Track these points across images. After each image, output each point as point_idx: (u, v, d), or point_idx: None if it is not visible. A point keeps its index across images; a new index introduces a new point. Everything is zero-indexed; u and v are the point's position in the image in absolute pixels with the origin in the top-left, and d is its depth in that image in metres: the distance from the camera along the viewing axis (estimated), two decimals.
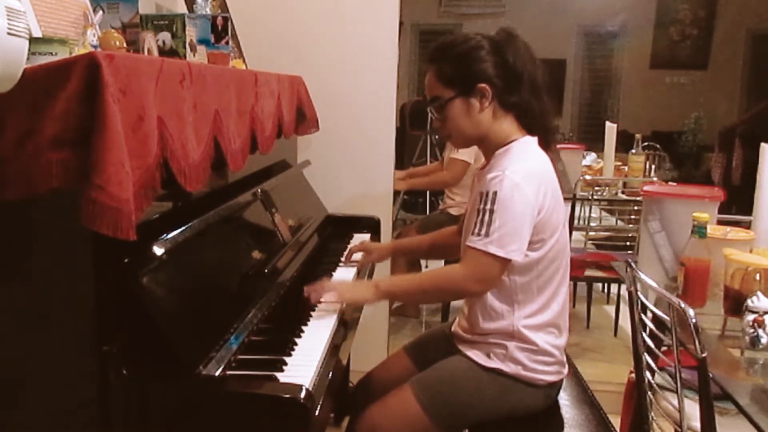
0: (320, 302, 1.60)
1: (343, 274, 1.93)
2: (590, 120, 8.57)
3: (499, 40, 1.53)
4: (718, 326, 1.62)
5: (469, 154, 3.17)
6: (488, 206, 1.42)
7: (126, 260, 1.12)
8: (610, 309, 3.85)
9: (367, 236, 2.35)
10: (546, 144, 1.57)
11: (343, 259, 2.02)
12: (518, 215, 1.42)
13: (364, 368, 1.86)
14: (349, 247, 2.05)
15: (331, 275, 1.90)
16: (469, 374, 1.54)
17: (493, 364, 1.52)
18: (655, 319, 1.55)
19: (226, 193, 1.57)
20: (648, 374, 1.60)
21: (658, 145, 4.88)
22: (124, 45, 1.40)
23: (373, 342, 2.69)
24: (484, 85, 1.51)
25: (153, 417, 1.13)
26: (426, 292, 1.65)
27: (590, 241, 3.78)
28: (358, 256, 2.01)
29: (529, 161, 1.49)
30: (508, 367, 1.51)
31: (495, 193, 1.42)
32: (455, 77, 1.53)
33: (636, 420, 1.78)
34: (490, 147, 1.56)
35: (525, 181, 1.43)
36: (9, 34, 0.93)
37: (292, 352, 1.35)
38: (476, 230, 1.43)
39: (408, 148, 5.55)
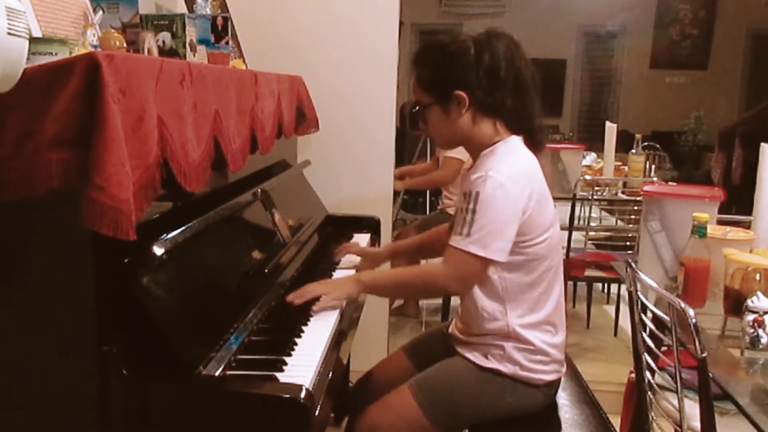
0: (309, 309, 1.55)
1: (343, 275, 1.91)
2: (590, 120, 8.57)
3: (480, 42, 1.51)
4: (718, 326, 1.62)
5: (464, 152, 3.17)
6: (471, 206, 1.42)
7: (126, 260, 1.12)
8: (610, 309, 3.85)
9: (367, 236, 2.35)
10: (533, 144, 1.56)
11: (337, 254, 1.99)
12: (501, 215, 1.41)
13: (364, 368, 1.86)
14: (344, 246, 2.03)
15: (331, 276, 1.90)
16: (468, 375, 1.54)
17: (491, 364, 1.52)
18: (655, 319, 1.55)
19: (226, 193, 1.57)
20: (648, 374, 1.60)
21: (658, 145, 4.88)
22: (124, 45, 1.40)
23: (373, 342, 2.70)
24: (460, 92, 1.49)
25: (153, 417, 1.13)
26: (408, 287, 1.67)
27: (590, 241, 3.77)
28: (352, 257, 1.99)
29: (514, 161, 1.48)
30: (506, 368, 1.51)
31: (477, 193, 1.41)
32: (432, 84, 1.54)
33: (636, 420, 1.78)
34: (475, 148, 1.56)
35: (509, 181, 1.42)
36: (9, 34, 0.93)
37: (292, 352, 1.35)
38: (458, 230, 1.43)
39: (408, 148, 5.55)
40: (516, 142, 1.53)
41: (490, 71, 1.49)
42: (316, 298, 1.57)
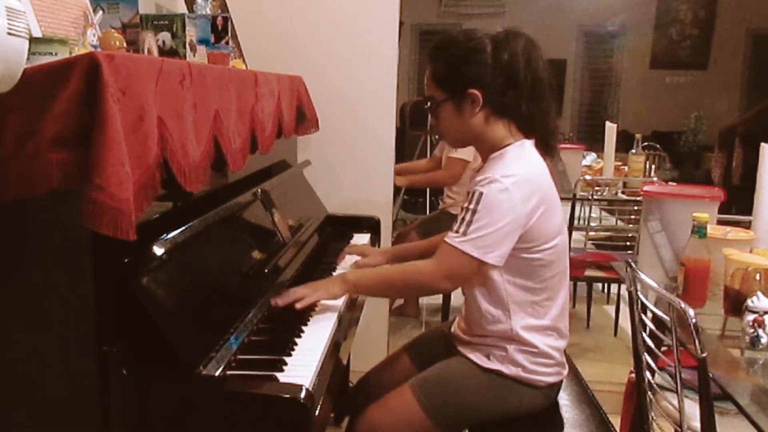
0: (294, 307, 1.50)
1: None
2: (590, 120, 8.58)
3: (499, 40, 1.50)
4: (718, 326, 1.62)
5: (468, 153, 3.17)
6: (472, 206, 1.41)
7: (126, 260, 1.12)
8: (610, 309, 3.85)
9: (367, 236, 2.35)
10: (545, 148, 1.54)
11: (338, 260, 1.98)
12: (501, 219, 1.39)
13: (364, 368, 1.86)
14: (345, 248, 2.04)
15: (331, 275, 1.89)
16: (469, 375, 1.53)
17: (493, 365, 1.52)
18: (655, 319, 1.55)
19: (226, 193, 1.57)
20: (648, 374, 1.60)
21: (658, 145, 4.89)
22: (124, 45, 1.40)
23: (373, 342, 2.69)
24: (474, 90, 1.48)
25: (153, 417, 1.13)
26: (394, 286, 1.63)
27: (590, 241, 3.77)
28: (352, 258, 1.99)
29: (523, 166, 1.46)
30: (508, 369, 1.51)
31: (481, 194, 1.40)
32: (447, 80, 1.52)
33: (636, 420, 1.79)
34: (485, 149, 1.55)
35: (515, 187, 1.40)
36: (9, 34, 0.93)
37: (292, 352, 1.35)
38: (456, 227, 1.42)
39: (408, 148, 5.55)
40: (527, 145, 1.51)
41: (507, 71, 1.47)
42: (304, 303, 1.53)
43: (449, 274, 1.44)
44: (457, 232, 1.42)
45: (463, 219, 1.42)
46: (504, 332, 1.51)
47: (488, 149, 1.53)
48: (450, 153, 3.29)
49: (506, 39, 1.49)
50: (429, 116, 1.62)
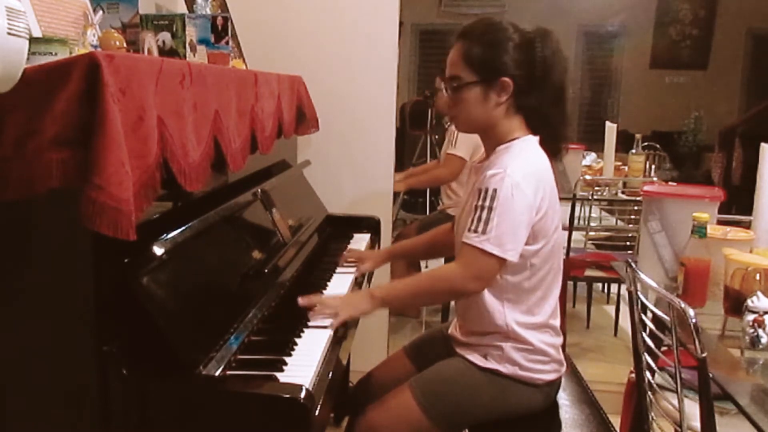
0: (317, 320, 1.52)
1: (341, 279, 1.90)
2: (590, 120, 8.56)
3: (532, 37, 1.49)
4: (718, 326, 1.62)
5: (466, 151, 3.17)
6: (487, 203, 1.40)
7: (126, 260, 1.12)
8: (610, 309, 3.85)
9: (367, 236, 2.35)
10: (553, 151, 1.54)
11: (338, 264, 1.97)
12: (516, 215, 1.40)
13: (364, 368, 1.85)
14: (343, 254, 2.03)
15: (331, 276, 1.90)
16: (467, 375, 1.53)
17: (490, 365, 1.52)
18: (655, 319, 1.55)
19: (226, 193, 1.57)
20: (648, 374, 1.60)
21: (658, 145, 4.88)
22: (124, 45, 1.41)
23: (373, 342, 2.69)
24: (507, 79, 1.47)
25: (153, 417, 1.13)
26: (423, 294, 1.63)
27: (590, 241, 3.77)
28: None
29: (529, 160, 1.47)
30: (505, 368, 1.51)
31: (495, 190, 1.40)
32: (482, 63, 1.49)
33: (636, 420, 1.79)
34: (493, 141, 1.54)
35: (525, 181, 1.41)
36: (9, 34, 0.93)
37: (292, 352, 1.35)
38: (473, 227, 1.41)
39: (408, 148, 5.54)
40: (533, 141, 1.52)
41: (542, 70, 1.47)
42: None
43: (476, 274, 1.44)
44: (475, 231, 1.41)
45: (479, 218, 1.41)
46: (499, 329, 1.51)
47: (495, 141, 1.53)
48: (447, 150, 3.29)
49: (537, 38, 1.50)
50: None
